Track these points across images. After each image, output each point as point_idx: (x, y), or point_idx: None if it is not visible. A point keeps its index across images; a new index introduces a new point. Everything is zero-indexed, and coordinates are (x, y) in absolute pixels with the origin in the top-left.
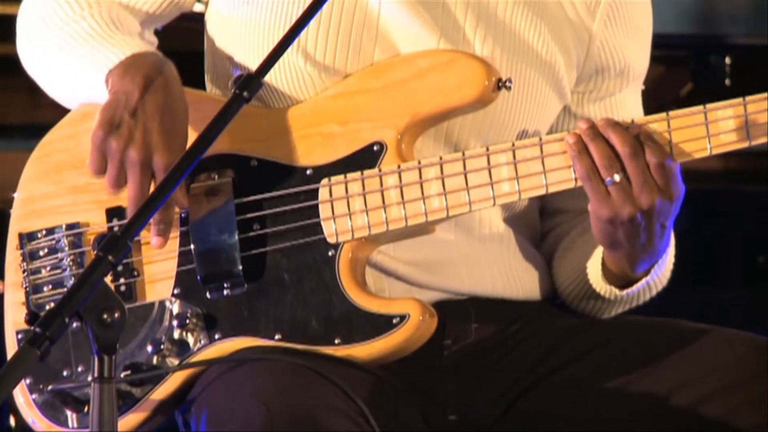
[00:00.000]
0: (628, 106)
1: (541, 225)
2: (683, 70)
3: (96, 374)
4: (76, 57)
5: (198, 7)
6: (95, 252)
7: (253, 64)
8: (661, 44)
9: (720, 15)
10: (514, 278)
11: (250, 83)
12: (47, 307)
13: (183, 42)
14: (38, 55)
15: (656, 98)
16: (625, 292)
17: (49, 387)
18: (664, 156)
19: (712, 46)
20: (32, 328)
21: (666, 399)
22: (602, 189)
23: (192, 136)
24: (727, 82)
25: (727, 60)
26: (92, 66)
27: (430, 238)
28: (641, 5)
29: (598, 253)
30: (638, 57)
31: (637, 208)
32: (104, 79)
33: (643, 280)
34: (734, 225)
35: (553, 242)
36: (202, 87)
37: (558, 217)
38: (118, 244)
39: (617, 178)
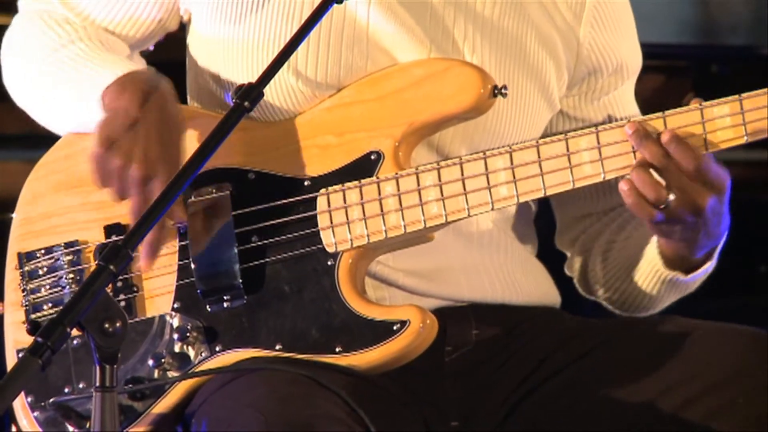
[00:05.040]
0: (626, 102)
1: (566, 235)
2: (684, 80)
3: (98, 383)
4: (69, 81)
5: None
6: (97, 262)
7: (238, 82)
8: (661, 54)
9: (720, 25)
10: (513, 284)
11: (251, 93)
12: None
13: (167, 52)
14: (26, 85)
15: (657, 108)
16: (689, 276)
17: (51, 400)
18: (699, 159)
19: (713, 56)
20: (34, 337)
21: (666, 396)
22: (654, 212)
23: (186, 152)
24: (728, 91)
25: (728, 70)
26: (88, 85)
27: (428, 247)
28: (622, 1)
29: (653, 243)
30: (630, 52)
31: (691, 214)
32: (100, 97)
33: (708, 264)
34: (735, 234)
35: (584, 248)
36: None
37: (583, 222)
38: (119, 253)
39: (669, 200)
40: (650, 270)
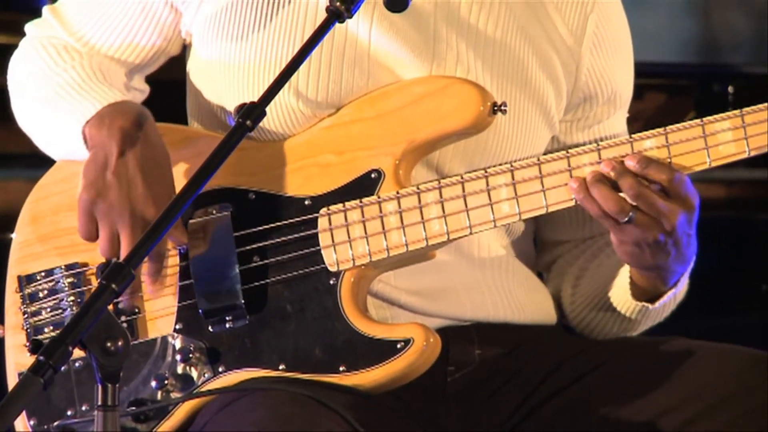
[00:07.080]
0: (617, 133)
1: (544, 258)
2: (686, 98)
3: (100, 402)
4: (57, 110)
5: None
6: (99, 280)
7: (238, 102)
8: (663, 73)
9: (722, 44)
10: (516, 302)
11: (253, 112)
12: None
13: (167, 72)
14: (26, 110)
15: (658, 126)
16: (657, 304)
17: (55, 423)
18: (672, 173)
19: (715, 75)
20: (36, 356)
21: (667, 416)
22: (619, 225)
23: (189, 174)
24: (730, 110)
25: (730, 89)
26: (71, 118)
27: (430, 266)
28: (622, 29)
29: (624, 273)
30: (625, 82)
31: (659, 232)
32: (81, 131)
33: (671, 291)
34: (738, 253)
35: (559, 272)
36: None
37: (560, 248)
38: (121, 272)
39: (632, 215)
40: (618, 300)
